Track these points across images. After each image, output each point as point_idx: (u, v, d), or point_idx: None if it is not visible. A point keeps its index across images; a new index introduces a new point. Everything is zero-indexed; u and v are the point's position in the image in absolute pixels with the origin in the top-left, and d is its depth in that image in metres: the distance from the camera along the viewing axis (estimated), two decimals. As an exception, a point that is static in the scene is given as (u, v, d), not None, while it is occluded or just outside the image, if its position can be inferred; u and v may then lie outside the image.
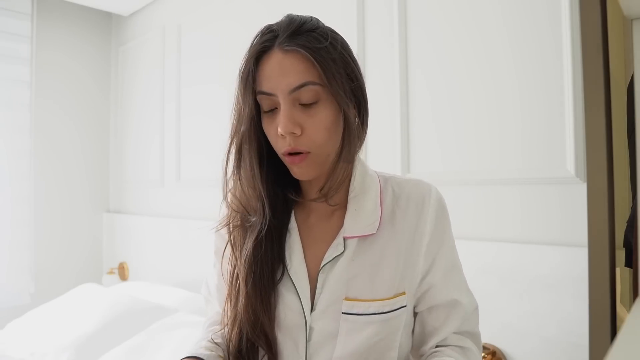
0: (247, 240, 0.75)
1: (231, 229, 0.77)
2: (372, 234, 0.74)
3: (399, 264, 0.73)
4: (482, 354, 1.25)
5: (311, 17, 0.72)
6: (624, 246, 0.98)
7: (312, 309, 0.73)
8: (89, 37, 2.82)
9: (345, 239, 0.74)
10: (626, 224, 0.99)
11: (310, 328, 0.73)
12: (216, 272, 0.86)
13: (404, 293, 0.73)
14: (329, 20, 0.75)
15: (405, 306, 0.74)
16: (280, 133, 0.66)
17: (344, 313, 0.72)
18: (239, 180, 0.73)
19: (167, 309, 1.83)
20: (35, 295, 2.45)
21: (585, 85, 0.99)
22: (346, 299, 0.72)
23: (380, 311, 0.72)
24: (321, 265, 0.74)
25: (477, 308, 0.81)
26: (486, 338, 1.27)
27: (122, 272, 2.70)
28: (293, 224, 0.78)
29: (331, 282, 0.73)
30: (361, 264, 0.73)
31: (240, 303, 0.74)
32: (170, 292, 2.09)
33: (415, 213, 0.75)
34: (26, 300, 2.42)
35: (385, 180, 0.80)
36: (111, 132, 2.91)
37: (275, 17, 0.73)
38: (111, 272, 2.69)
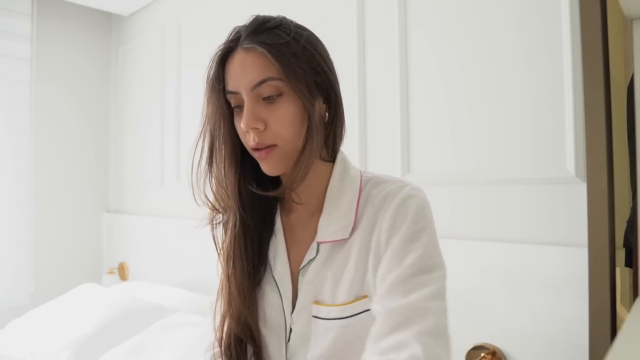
0: (225, 239, 0.77)
1: (213, 227, 0.79)
2: (345, 239, 0.72)
3: (359, 267, 0.71)
4: (482, 354, 1.25)
5: (278, 15, 0.73)
6: (624, 246, 0.98)
7: (292, 310, 0.74)
8: (89, 37, 2.82)
9: (318, 243, 0.73)
10: (626, 224, 0.99)
11: (290, 329, 0.74)
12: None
13: (365, 296, 0.70)
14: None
15: (368, 310, 0.70)
16: (243, 128, 0.68)
17: (314, 317, 0.72)
18: (210, 179, 0.75)
19: (167, 309, 1.82)
20: (35, 295, 2.45)
21: (585, 85, 0.99)
22: (315, 302, 0.72)
23: (340, 316, 0.70)
24: (299, 268, 0.74)
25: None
26: (486, 338, 1.27)
27: (122, 272, 2.70)
28: (279, 225, 0.79)
29: (305, 285, 0.73)
30: (329, 269, 0.73)
31: (225, 302, 0.76)
32: (170, 292, 2.09)
33: (375, 213, 0.71)
34: (26, 300, 2.42)
35: (366, 181, 0.76)
36: (111, 132, 2.91)
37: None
38: (111, 272, 2.69)
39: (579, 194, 1.13)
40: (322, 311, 0.71)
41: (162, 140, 2.51)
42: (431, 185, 1.40)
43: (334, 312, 0.70)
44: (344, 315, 0.70)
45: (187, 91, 2.38)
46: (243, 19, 0.76)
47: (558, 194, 1.19)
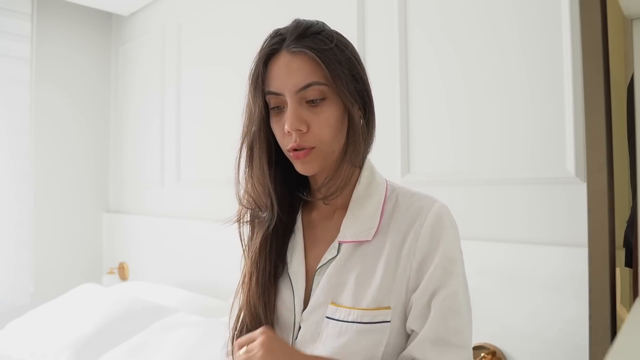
0: (255, 236, 0.79)
1: (240, 225, 0.80)
2: (368, 241, 0.73)
3: (386, 277, 0.71)
4: (482, 354, 1.25)
5: (317, 21, 0.74)
6: (624, 246, 0.98)
7: (304, 309, 0.75)
8: (89, 37, 2.82)
9: (340, 243, 0.75)
10: (626, 224, 0.99)
11: (299, 327, 0.75)
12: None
13: (388, 307, 0.70)
14: (328, 23, 0.76)
15: (388, 322, 0.70)
16: (286, 130, 0.69)
17: (327, 317, 0.72)
18: (251, 177, 0.76)
19: (167, 309, 1.82)
20: (35, 295, 2.45)
21: (585, 85, 0.99)
22: (332, 303, 0.72)
23: (358, 320, 0.70)
24: (317, 267, 0.75)
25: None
26: (486, 338, 1.27)
27: (122, 272, 2.70)
28: (299, 224, 0.81)
29: (322, 284, 0.74)
30: (352, 270, 0.73)
31: (244, 296, 0.78)
32: (170, 292, 2.09)
33: (406, 226, 0.72)
34: (26, 300, 2.42)
35: (392, 190, 0.79)
36: (111, 132, 2.91)
37: (275, 19, 0.74)
38: (111, 272, 2.69)
39: (579, 194, 1.13)
40: (341, 313, 0.71)
41: (162, 140, 2.51)
42: (431, 185, 1.40)
43: (353, 315, 0.70)
44: (363, 321, 0.69)
45: (187, 91, 2.38)
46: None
47: (558, 194, 1.19)
